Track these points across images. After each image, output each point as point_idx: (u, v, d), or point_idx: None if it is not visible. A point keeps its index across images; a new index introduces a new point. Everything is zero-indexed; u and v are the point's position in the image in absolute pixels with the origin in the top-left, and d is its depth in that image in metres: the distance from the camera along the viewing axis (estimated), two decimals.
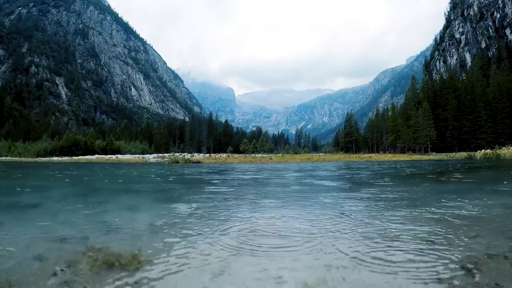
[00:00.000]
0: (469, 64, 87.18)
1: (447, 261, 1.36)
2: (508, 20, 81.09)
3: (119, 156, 42.12)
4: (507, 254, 1.43)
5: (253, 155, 42.94)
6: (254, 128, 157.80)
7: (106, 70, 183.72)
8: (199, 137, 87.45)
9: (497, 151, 21.68)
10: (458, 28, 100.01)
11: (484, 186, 5.16)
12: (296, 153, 57.92)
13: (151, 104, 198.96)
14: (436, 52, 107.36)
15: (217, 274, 1.25)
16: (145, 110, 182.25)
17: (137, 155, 44.36)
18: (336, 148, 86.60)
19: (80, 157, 41.85)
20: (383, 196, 3.81)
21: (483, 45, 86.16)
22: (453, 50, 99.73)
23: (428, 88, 64.49)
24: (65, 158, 39.08)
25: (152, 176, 9.28)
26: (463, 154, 28.62)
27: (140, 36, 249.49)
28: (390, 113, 67.28)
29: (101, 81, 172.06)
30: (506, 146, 25.65)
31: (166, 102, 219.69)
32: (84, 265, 1.36)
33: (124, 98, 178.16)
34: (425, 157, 30.35)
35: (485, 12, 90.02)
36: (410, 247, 1.57)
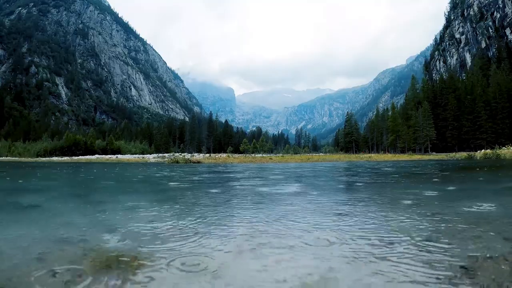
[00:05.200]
0: (469, 64, 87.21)
1: (447, 261, 1.36)
2: (508, 20, 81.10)
3: (119, 156, 42.13)
4: (507, 255, 1.43)
5: (253, 155, 42.95)
6: (254, 128, 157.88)
7: (106, 70, 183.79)
8: (199, 137, 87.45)
9: (497, 151, 21.68)
10: (458, 28, 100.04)
11: (484, 186, 5.15)
12: (296, 153, 57.94)
13: (151, 104, 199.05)
14: (436, 52, 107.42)
15: (218, 274, 1.26)
16: (145, 110, 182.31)
17: (137, 155, 44.36)
18: (336, 148, 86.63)
19: (80, 157, 41.86)
20: (382, 195, 3.80)
21: (483, 45, 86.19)
22: (453, 50, 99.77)
23: (428, 88, 64.55)
24: (65, 158, 39.10)
25: (152, 176, 9.28)
26: (463, 154, 28.62)
27: (140, 36, 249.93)
28: (390, 113, 67.30)
29: (101, 81, 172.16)
30: (506, 146, 25.62)
31: (166, 102, 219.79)
32: (84, 265, 1.35)
33: (124, 98, 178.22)
34: (425, 157, 30.36)
35: (485, 12, 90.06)
36: (410, 247, 1.57)
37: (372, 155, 38.44)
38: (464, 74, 78.82)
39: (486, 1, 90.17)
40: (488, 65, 68.33)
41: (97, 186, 6.20)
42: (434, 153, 47.27)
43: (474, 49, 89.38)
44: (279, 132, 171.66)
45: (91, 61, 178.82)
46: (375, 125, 71.52)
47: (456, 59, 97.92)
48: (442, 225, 2.13)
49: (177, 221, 2.34)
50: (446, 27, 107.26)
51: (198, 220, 2.38)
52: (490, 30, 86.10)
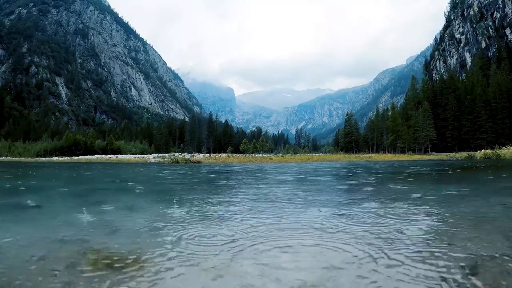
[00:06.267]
0: (469, 64, 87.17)
1: (447, 261, 1.36)
2: (508, 20, 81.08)
3: (119, 156, 42.12)
4: (507, 254, 1.43)
5: (253, 155, 42.92)
6: (254, 128, 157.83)
7: (106, 70, 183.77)
8: (199, 137, 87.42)
9: (497, 151, 21.69)
10: (458, 28, 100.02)
11: (483, 186, 5.16)
12: (296, 153, 57.92)
13: (151, 104, 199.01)
14: (436, 52, 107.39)
15: (218, 274, 1.26)
16: (145, 110, 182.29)
17: (137, 155, 44.36)
18: (336, 148, 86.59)
19: (80, 157, 41.86)
20: (382, 195, 3.80)
21: (483, 45, 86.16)
22: (453, 50, 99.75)
23: (428, 88, 64.53)
24: (65, 158, 39.11)
25: (152, 176, 9.28)
26: (463, 154, 28.63)
27: (140, 36, 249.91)
28: (390, 113, 67.28)
29: (101, 81, 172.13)
30: (506, 146, 25.63)
31: (166, 102, 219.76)
32: (84, 266, 1.35)
33: (124, 98, 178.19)
34: (425, 157, 30.36)
35: (485, 12, 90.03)
36: (410, 247, 1.58)
37: (372, 155, 38.43)
38: (464, 74, 78.79)
39: (486, 1, 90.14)
40: (488, 65, 68.28)
41: (97, 186, 6.20)
42: (434, 153, 47.26)
43: (474, 49, 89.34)
44: (279, 132, 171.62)
45: (91, 61, 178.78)
46: (375, 125, 71.51)
47: (456, 59, 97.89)
48: (442, 224, 2.14)
49: (177, 221, 2.35)
50: (446, 27, 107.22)
51: (198, 220, 2.38)
52: (490, 30, 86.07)
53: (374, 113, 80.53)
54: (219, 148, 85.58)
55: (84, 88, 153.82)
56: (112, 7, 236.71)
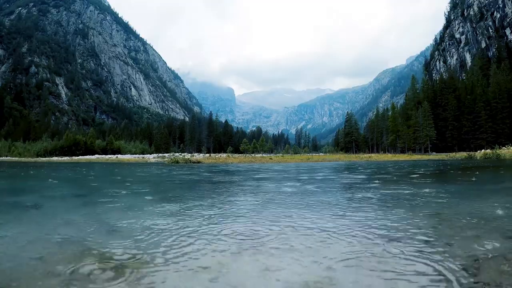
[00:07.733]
0: (469, 64, 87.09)
1: (447, 261, 1.36)
2: (508, 20, 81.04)
3: (119, 156, 42.12)
4: (507, 254, 1.43)
5: (253, 155, 42.91)
6: (254, 128, 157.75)
7: (106, 70, 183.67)
8: (199, 137, 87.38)
9: (497, 151, 21.68)
10: (458, 28, 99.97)
11: (483, 186, 5.16)
12: (296, 153, 57.90)
13: (151, 104, 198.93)
14: (436, 52, 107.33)
15: (217, 274, 1.25)
16: (145, 110, 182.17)
17: (137, 155, 44.38)
18: (336, 148, 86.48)
19: (80, 157, 41.85)
20: (382, 195, 3.80)
21: (483, 45, 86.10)
22: (453, 50, 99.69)
23: (428, 88, 64.49)
24: (65, 158, 39.11)
25: (152, 176, 9.28)
26: (463, 154, 28.62)
27: (140, 36, 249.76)
28: (390, 113, 67.29)
29: (101, 81, 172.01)
30: (506, 146, 25.63)
31: (166, 102, 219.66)
32: (84, 266, 1.35)
33: (124, 98, 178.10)
34: (425, 157, 30.35)
35: (485, 12, 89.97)
36: (410, 247, 1.57)
37: (372, 155, 38.43)
38: (464, 74, 78.76)
39: (486, 1, 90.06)
40: (488, 65, 68.21)
41: (97, 186, 6.20)
42: (434, 153, 47.24)
43: (474, 49, 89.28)
44: (279, 132, 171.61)
45: (91, 61, 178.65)
46: (375, 125, 71.50)
47: (456, 59, 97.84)
48: (442, 224, 2.14)
49: (177, 221, 2.35)
50: (446, 27, 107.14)
51: (198, 220, 2.38)
52: (490, 30, 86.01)
53: (374, 113, 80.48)
54: (219, 148, 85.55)
55: (84, 88, 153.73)
56: (112, 7, 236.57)
